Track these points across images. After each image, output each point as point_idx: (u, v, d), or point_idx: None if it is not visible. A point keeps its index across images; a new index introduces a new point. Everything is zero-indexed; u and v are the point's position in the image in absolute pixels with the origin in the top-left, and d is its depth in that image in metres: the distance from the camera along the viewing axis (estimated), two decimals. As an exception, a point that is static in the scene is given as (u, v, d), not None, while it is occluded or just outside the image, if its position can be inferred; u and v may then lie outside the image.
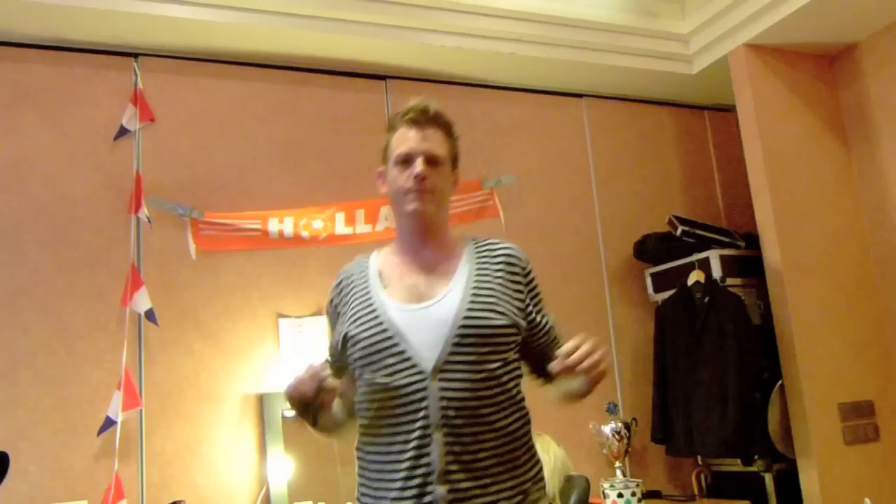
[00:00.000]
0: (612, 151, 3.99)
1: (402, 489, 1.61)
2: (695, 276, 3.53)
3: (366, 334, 1.68)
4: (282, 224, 3.17)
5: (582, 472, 2.96)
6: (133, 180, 3.04)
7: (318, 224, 3.19)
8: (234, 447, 3.00)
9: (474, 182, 3.55)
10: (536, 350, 1.80)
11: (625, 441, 3.30)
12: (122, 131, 3.07)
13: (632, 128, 4.08)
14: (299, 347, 3.12)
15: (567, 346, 1.58)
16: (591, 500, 3.06)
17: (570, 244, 3.78)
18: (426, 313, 1.68)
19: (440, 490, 1.59)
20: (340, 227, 3.25)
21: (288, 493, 2.94)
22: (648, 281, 3.82)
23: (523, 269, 1.82)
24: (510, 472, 1.65)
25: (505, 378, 1.69)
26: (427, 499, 1.59)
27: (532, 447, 1.73)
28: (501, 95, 3.81)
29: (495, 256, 1.80)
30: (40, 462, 2.74)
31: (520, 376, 1.75)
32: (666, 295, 3.68)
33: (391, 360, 1.64)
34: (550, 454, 2.81)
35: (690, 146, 4.21)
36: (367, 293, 1.75)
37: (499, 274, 1.78)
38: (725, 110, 4.19)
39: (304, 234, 3.18)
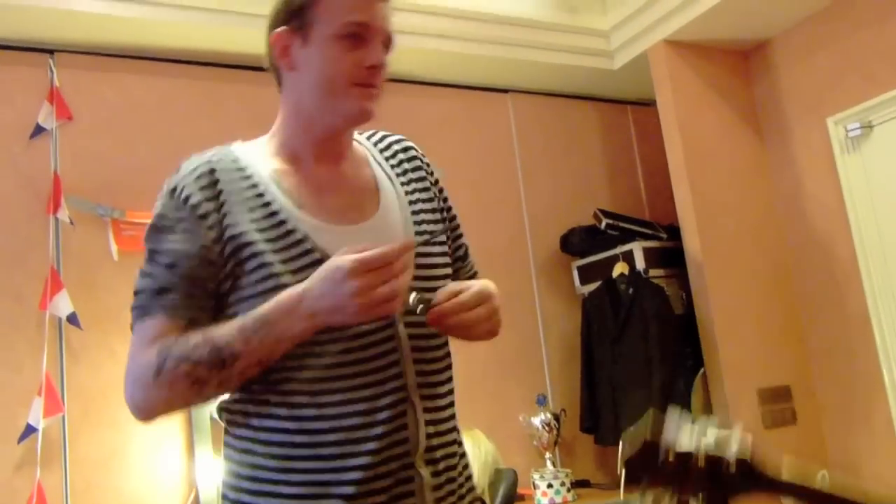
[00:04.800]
0: (538, 146, 4.05)
1: (365, 470, 1.14)
2: (619, 269, 3.61)
3: (291, 267, 1.19)
4: (207, 223, 3.11)
5: (513, 464, 3.00)
6: (51, 180, 2.95)
7: (244, 222, 3.15)
8: (161, 451, 2.94)
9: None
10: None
11: (554, 432, 3.36)
12: (38, 130, 2.96)
13: (556, 122, 4.14)
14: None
15: (447, 289, 1.20)
16: (521, 490, 3.12)
17: (498, 238, 3.81)
18: (368, 237, 1.21)
19: (424, 473, 1.18)
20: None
21: (218, 495, 2.91)
22: (575, 273, 3.88)
23: (429, 169, 1.44)
24: (461, 445, 1.31)
25: None
26: (406, 487, 1.17)
27: None
28: (427, 91, 3.82)
29: (408, 159, 1.42)
30: (-43, 473, 2.65)
31: None
32: (592, 287, 3.74)
33: None
34: (481, 449, 2.85)
35: (614, 140, 4.30)
36: (273, 210, 1.25)
37: (415, 178, 1.40)
38: (647, 105, 4.28)
39: (230, 232, 3.13)
